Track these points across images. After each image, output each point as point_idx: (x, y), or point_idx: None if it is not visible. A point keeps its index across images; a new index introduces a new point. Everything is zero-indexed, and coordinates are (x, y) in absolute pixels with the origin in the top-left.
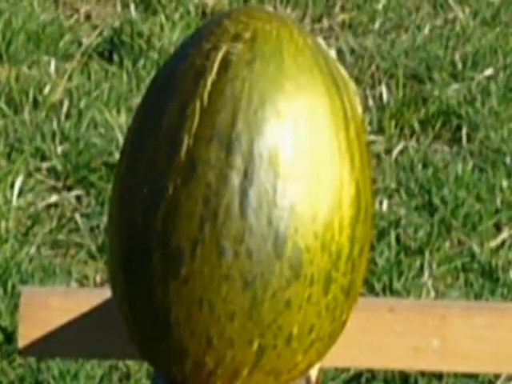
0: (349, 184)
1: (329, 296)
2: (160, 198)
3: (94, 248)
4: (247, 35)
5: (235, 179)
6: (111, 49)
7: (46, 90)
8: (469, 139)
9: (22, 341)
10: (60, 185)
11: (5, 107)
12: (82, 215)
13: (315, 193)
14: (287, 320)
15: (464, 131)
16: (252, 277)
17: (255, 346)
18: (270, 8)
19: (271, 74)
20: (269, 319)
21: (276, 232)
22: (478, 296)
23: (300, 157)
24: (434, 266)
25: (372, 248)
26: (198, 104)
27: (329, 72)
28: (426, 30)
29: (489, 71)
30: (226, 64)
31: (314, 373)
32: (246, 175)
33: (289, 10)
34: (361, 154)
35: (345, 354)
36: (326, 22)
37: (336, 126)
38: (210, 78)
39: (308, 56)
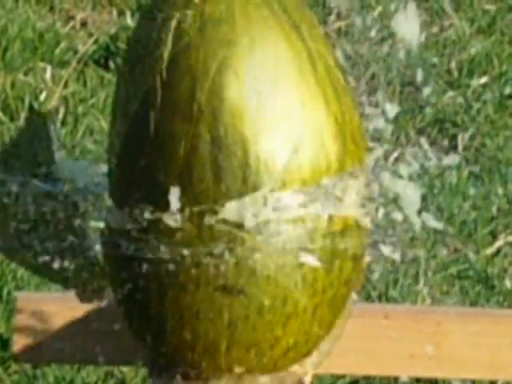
0: (326, 121)
1: (305, 267)
2: (136, 176)
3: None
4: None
5: (204, 149)
6: (107, 56)
7: (42, 96)
8: (464, 147)
9: (18, 347)
10: (56, 192)
11: (0, 114)
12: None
13: (290, 142)
14: (255, 290)
15: (460, 139)
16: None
17: (226, 317)
18: None
19: (223, 35)
20: (236, 289)
21: (254, 190)
22: (473, 303)
23: (266, 112)
24: (430, 273)
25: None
26: (158, 78)
27: (288, 17)
28: (422, 38)
29: (485, 79)
30: (179, 34)
31: (307, 379)
32: (215, 144)
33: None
34: (335, 87)
35: (340, 361)
36: (321, 30)
37: (300, 69)
38: (166, 50)
39: (261, 7)
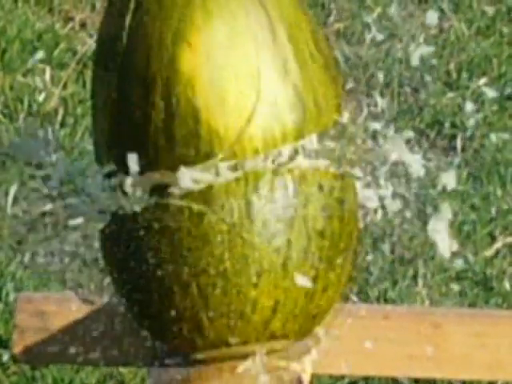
0: (283, 90)
1: (257, 223)
2: (105, 139)
3: (88, 256)
4: None
5: (158, 117)
6: None
7: (41, 97)
8: (463, 148)
9: (17, 348)
10: (55, 193)
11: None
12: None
13: (242, 112)
14: (199, 255)
15: (458, 140)
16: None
17: (194, 287)
18: None
19: (180, 7)
20: (187, 256)
21: (206, 159)
22: (472, 305)
23: (218, 83)
24: (429, 275)
25: (365, 257)
26: (119, 45)
27: None
28: (421, 39)
29: (483, 80)
30: (139, 2)
31: (306, 377)
32: (168, 112)
33: None
34: (299, 55)
35: (339, 362)
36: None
37: (257, 38)
38: (128, 18)
39: None
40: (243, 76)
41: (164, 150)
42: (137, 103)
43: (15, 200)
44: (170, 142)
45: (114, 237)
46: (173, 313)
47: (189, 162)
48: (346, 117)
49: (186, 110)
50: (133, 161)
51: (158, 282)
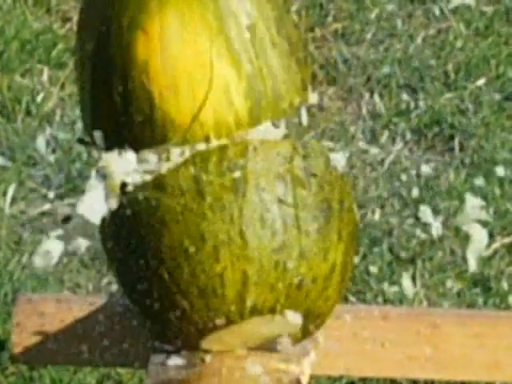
0: (235, 79)
1: (208, 197)
2: (84, 118)
3: (86, 256)
4: None
5: (118, 101)
6: None
7: (39, 98)
8: (461, 149)
9: (15, 348)
10: (52, 193)
11: None
12: None
13: (194, 100)
14: (162, 241)
15: (457, 141)
16: None
17: (165, 273)
18: None
19: None
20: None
21: (160, 143)
22: (470, 305)
23: (172, 70)
24: (427, 275)
25: (364, 257)
26: (89, 29)
27: None
28: (419, 40)
29: (481, 81)
30: None
31: (304, 379)
32: (125, 97)
33: None
34: (254, 43)
35: (337, 363)
36: (318, 32)
37: (210, 28)
38: (100, 3)
39: None
40: (196, 65)
41: (126, 131)
42: (103, 84)
43: (13, 200)
44: (129, 125)
45: (103, 230)
46: (156, 305)
47: (146, 145)
48: (314, 99)
49: (142, 96)
50: (98, 138)
51: (141, 275)
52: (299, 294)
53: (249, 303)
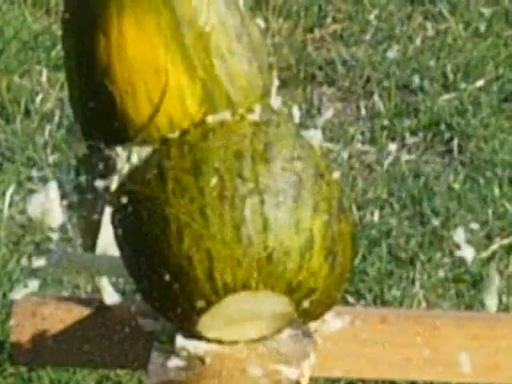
0: (189, 85)
1: (169, 182)
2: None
3: None
4: None
5: (91, 98)
6: None
7: (38, 99)
8: (460, 150)
9: (14, 349)
10: None
11: None
12: (74, 225)
13: (150, 103)
14: (140, 233)
15: (455, 142)
16: None
17: (145, 266)
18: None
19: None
20: None
21: (124, 142)
22: (469, 307)
23: (129, 74)
24: (425, 276)
25: (363, 258)
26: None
27: None
28: (418, 41)
29: (480, 82)
30: None
31: (304, 381)
32: (93, 96)
33: (281, 21)
34: (210, 51)
35: (336, 365)
36: (317, 33)
37: (167, 37)
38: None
39: None
40: (151, 71)
41: (95, 129)
42: (80, 82)
43: (12, 201)
44: (98, 122)
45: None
46: (155, 293)
47: (115, 143)
48: (277, 103)
49: (105, 97)
50: (78, 131)
51: (132, 268)
52: (273, 268)
53: (219, 281)
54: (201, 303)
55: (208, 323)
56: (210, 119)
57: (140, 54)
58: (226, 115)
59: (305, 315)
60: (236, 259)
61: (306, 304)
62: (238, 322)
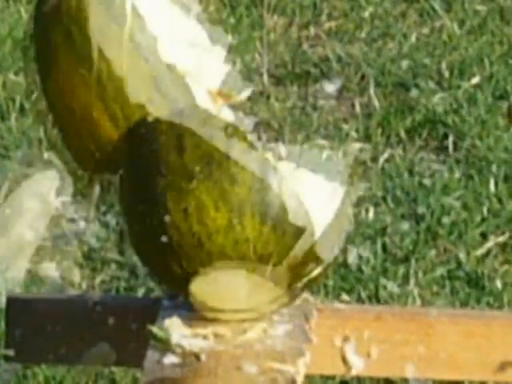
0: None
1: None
2: None
3: (80, 255)
4: None
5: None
6: None
7: (33, 96)
8: (455, 147)
9: (8, 347)
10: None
11: None
12: (68, 222)
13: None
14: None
15: (450, 139)
16: None
17: (135, 244)
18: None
19: None
20: None
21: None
22: (463, 304)
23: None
24: (420, 274)
25: (358, 256)
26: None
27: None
28: (413, 39)
29: (475, 79)
30: None
31: (299, 378)
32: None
33: (275, 18)
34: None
35: (331, 362)
36: (312, 30)
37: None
38: None
39: None
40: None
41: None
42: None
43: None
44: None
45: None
46: (151, 255)
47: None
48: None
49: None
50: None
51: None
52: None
53: (210, 249)
54: (190, 268)
55: (200, 287)
56: None
57: (71, 104)
58: None
59: (271, 275)
60: (210, 218)
61: (270, 268)
62: (229, 291)
